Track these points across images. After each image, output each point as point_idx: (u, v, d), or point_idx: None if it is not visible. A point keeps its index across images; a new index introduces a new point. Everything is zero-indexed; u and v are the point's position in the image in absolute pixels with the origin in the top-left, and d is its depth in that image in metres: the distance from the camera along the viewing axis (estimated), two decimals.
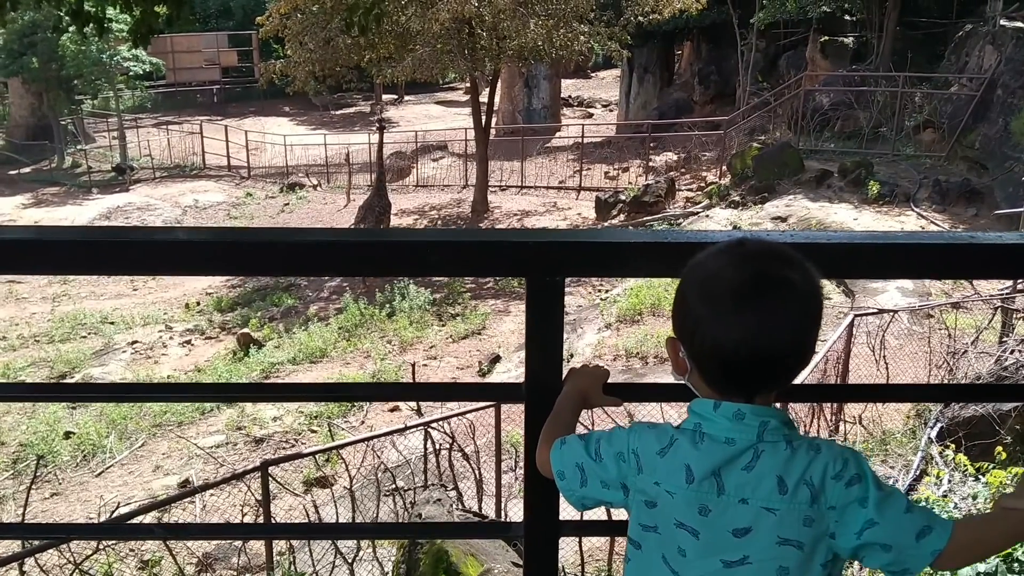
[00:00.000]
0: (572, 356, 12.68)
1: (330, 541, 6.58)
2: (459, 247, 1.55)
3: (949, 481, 6.56)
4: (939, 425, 7.90)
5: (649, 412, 8.31)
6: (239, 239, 1.53)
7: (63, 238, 1.57)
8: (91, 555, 5.97)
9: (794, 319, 1.33)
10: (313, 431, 11.65)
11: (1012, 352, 8.09)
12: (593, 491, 1.49)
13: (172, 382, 12.54)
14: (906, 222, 16.02)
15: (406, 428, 7.81)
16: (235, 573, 7.83)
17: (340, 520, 7.04)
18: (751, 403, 1.37)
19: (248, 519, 7.02)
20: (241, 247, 1.50)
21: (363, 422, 11.81)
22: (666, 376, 11.21)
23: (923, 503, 5.87)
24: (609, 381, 1.70)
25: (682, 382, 1.47)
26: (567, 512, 1.66)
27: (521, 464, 9.53)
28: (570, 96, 38.56)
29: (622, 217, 20.34)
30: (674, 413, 9.21)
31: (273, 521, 6.80)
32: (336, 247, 1.53)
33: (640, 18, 21.80)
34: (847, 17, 25.48)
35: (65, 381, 14.38)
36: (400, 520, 7.23)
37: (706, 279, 1.36)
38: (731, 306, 1.32)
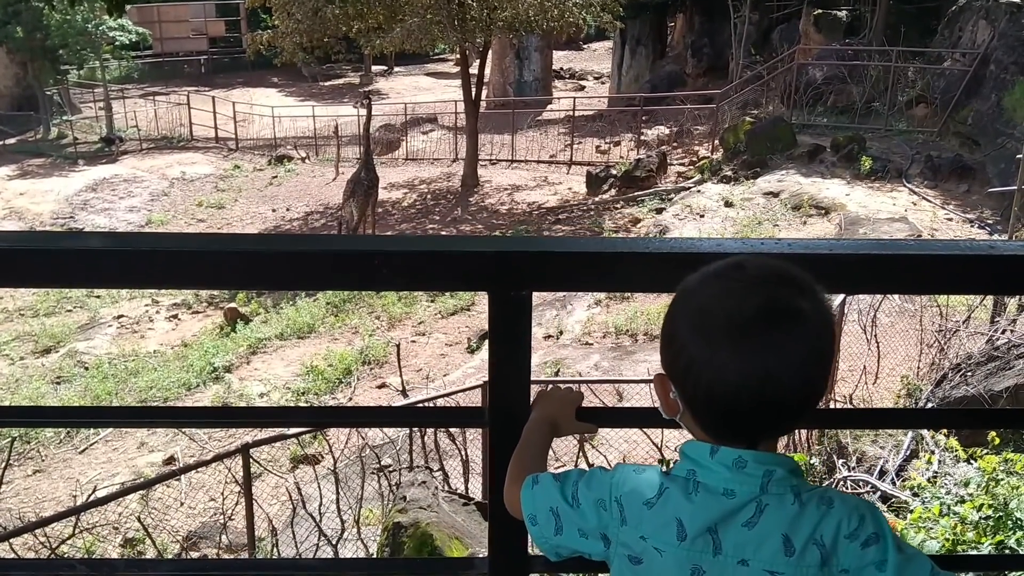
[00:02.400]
0: (562, 333, 12.61)
1: (313, 522, 6.50)
2: (408, 257, 1.36)
3: (940, 463, 6.51)
4: (930, 405, 7.86)
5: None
6: (155, 247, 1.35)
7: None
8: (68, 538, 5.89)
9: (805, 357, 1.15)
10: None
11: (1004, 332, 8.04)
12: (569, 540, 1.31)
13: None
14: (898, 198, 15.93)
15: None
16: (218, 552, 7.77)
17: (324, 499, 6.95)
18: (754, 449, 1.20)
19: (230, 500, 6.94)
20: (157, 256, 1.32)
21: (351, 399, 11.73)
22: (656, 354, 11.12)
23: (914, 486, 5.81)
24: (583, 405, 1.53)
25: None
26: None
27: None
28: (562, 68, 38.23)
29: (613, 192, 20.21)
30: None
31: (255, 503, 6.72)
32: (265, 259, 1.35)
33: None
34: None
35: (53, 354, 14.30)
36: (385, 498, 7.18)
37: (700, 311, 1.18)
38: (731, 344, 1.14)
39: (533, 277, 1.38)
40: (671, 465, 1.29)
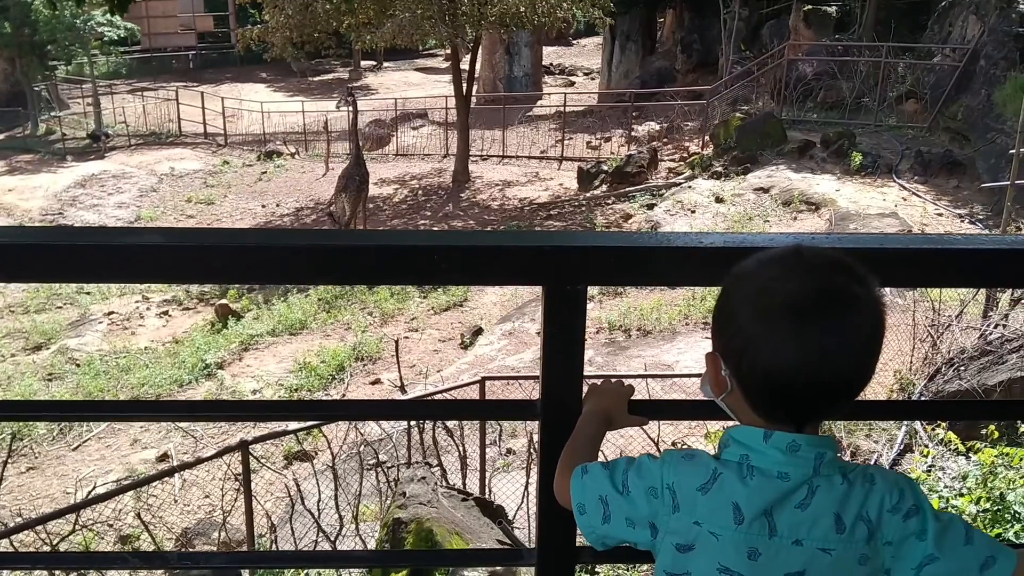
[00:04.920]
0: None
1: (312, 518, 6.50)
2: (467, 252, 1.39)
3: (936, 456, 6.56)
4: (923, 399, 7.91)
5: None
6: (223, 243, 1.38)
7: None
8: (68, 535, 5.88)
9: (860, 341, 1.19)
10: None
11: (996, 327, 8.10)
12: (616, 529, 1.33)
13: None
14: (888, 193, 16.01)
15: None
16: (215, 548, 7.76)
17: (322, 495, 6.95)
18: (802, 432, 1.24)
19: (228, 496, 6.93)
20: (222, 252, 1.35)
21: (344, 395, 11.72)
22: (649, 349, 11.17)
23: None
24: (633, 398, 1.55)
25: (711, 399, 1.32)
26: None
27: (505, 439, 9.49)
28: (552, 64, 38.22)
29: (604, 188, 20.23)
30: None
31: (254, 499, 6.72)
32: (325, 252, 1.37)
33: None
34: None
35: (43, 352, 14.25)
36: (383, 494, 7.18)
37: (760, 292, 1.21)
38: (790, 326, 1.17)
39: (589, 272, 1.41)
40: (719, 451, 1.31)
